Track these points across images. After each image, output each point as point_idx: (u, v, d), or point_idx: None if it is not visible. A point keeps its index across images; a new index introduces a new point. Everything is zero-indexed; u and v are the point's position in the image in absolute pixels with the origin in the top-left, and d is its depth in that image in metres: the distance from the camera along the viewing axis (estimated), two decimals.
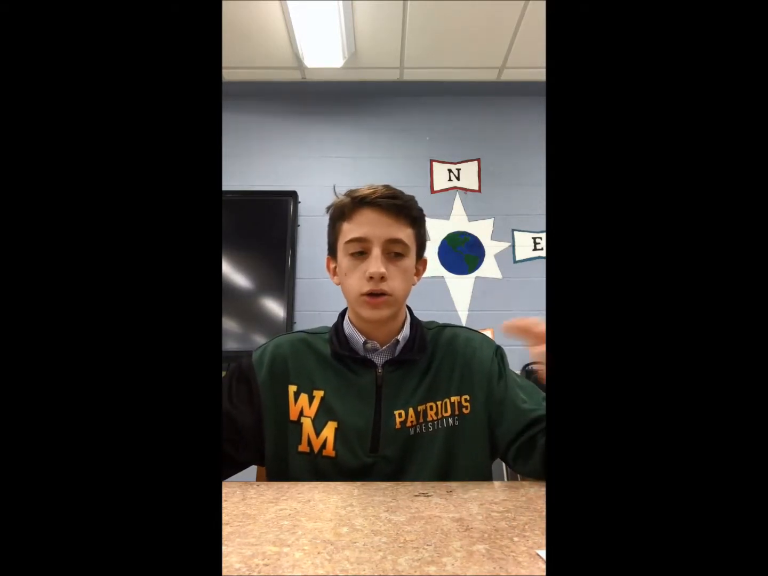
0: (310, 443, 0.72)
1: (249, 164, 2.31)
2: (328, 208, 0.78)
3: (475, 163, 2.35)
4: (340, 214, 0.76)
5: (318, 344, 0.79)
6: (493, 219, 2.29)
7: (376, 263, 0.71)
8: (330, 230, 0.79)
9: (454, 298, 2.21)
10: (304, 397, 0.75)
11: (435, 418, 0.74)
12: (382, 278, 0.71)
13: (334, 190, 0.78)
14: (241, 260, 2.14)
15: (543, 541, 0.42)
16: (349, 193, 0.75)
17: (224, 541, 0.41)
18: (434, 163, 2.35)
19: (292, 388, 0.75)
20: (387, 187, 0.74)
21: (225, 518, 0.48)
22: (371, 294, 0.71)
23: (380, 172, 2.30)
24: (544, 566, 0.36)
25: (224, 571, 0.35)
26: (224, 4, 1.83)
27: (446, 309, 2.18)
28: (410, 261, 0.76)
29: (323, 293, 2.13)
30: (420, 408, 0.74)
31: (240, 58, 2.21)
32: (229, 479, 0.73)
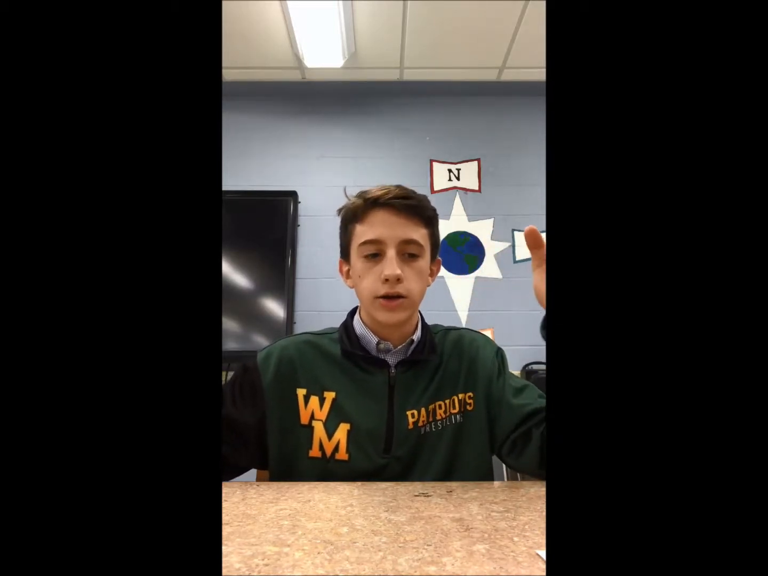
0: (322, 447, 0.70)
1: (249, 164, 2.31)
2: (340, 210, 0.76)
3: (475, 163, 2.35)
4: (352, 216, 0.74)
5: (325, 344, 0.78)
6: (493, 219, 2.29)
7: (391, 265, 0.69)
8: (342, 232, 0.78)
9: (454, 298, 2.20)
10: (314, 400, 0.72)
11: (444, 416, 0.74)
12: (398, 280, 0.69)
13: (345, 191, 0.77)
14: (241, 260, 2.14)
15: (543, 541, 0.42)
16: (361, 195, 0.73)
17: (224, 541, 0.41)
18: (434, 163, 2.35)
19: (302, 392, 0.73)
20: (400, 187, 0.73)
21: (225, 518, 0.48)
22: (387, 297, 0.70)
23: (380, 172, 2.30)
24: (544, 566, 0.36)
25: (224, 571, 0.35)
26: (224, 4, 1.83)
27: (446, 309, 2.18)
28: (425, 262, 0.75)
29: (323, 293, 2.13)
30: (430, 407, 0.74)
31: (240, 58, 2.21)
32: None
